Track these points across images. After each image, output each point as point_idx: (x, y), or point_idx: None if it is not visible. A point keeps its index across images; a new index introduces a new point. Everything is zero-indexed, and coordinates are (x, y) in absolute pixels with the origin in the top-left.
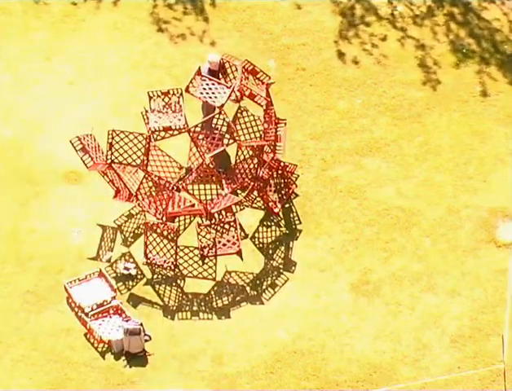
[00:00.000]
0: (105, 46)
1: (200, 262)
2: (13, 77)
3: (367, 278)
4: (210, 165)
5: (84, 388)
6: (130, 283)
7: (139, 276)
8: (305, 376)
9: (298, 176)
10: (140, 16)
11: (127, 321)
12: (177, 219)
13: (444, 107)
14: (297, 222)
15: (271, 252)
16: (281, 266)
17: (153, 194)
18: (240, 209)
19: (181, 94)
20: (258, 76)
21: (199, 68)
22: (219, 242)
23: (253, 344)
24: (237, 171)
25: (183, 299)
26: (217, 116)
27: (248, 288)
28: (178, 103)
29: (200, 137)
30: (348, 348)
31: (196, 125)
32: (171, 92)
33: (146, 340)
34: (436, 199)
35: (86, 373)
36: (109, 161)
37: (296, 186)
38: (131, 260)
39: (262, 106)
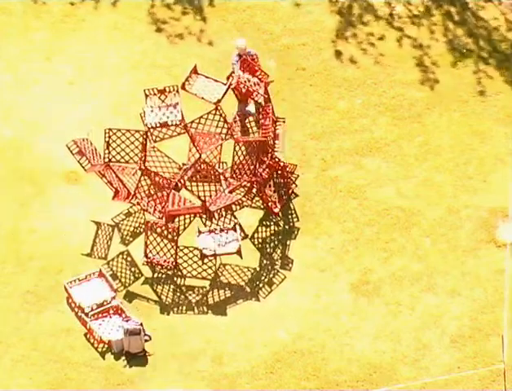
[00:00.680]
0: (105, 46)
1: (199, 262)
2: (13, 77)
3: (367, 278)
4: (206, 160)
5: (84, 388)
6: (130, 281)
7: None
8: (305, 376)
9: (298, 176)
10: (140, 16)
11: (127, 321)
12: (177, 219)
13: (444, 107)
14: (297, 222)
15: (270, 251)
16: (281, 266)
17: (152, 193)
18: (240, 208)
19: (177, 91)
20: (256, 74)
21: (194, 65)
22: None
23: (253, 344)
24: (236, 169)
25: (183, 299)
26: (213, 112)
27: (248, 288)
28: (175, 99)
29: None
30: (348, 348)
31: (193, 121)
32: (167, 89)
33: (146, 340)
34: (436, 199)
35: (86, 373)
36: (107, 160)
37: (296, 186)
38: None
39: (259, 103)
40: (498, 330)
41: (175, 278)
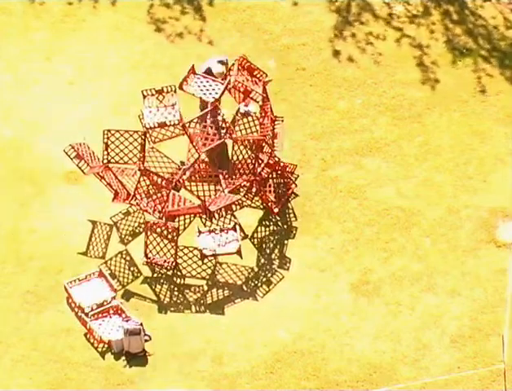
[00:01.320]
0: (105, 46)
1: (199, 262)
2: (13, 77)
3: (367, 278)
4: (206, 160)
5: (84, 388)
6: (130, 281)
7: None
8: (305, 376)
9: (298, 176)
10: (140, 16)
11: (127, 321)
12: (176, 219)
13: (444, 107)
14: (296, 222)
15: (270, 251)
16: (281, 266)
17: (152, 193)
18: (240, 208)
19: (175, 90)
20: (254, 73)
21: (192, 65)
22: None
23: (253, 344)
24: (235, 168)
25: (183, 299)
26: (212, 111)
27: (248, 288)
28: (173, 99)
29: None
30: (348, 348)
31: (191, 121)
32: (165, 90)
33: (146, 340)
34: (436, 199)
35: (86, 373)
36: (105, 162)
37: (296, 186)
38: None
39: (257, 102)
40: (498, 330)
41: (175, 278)
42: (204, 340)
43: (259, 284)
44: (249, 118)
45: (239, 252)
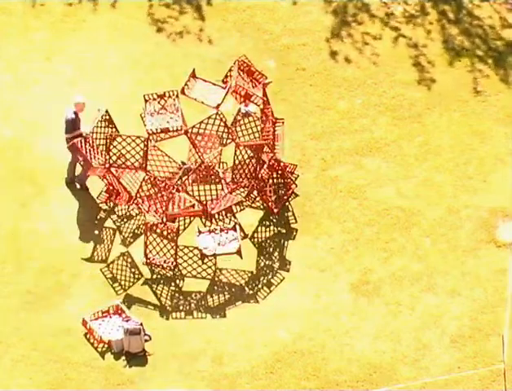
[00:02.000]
0: (105, 46)
1: (199, 262)
2: (13, 77)
3: (367, 278)
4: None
5: (84, 388)
6: (130, 282)
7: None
8: (305, 376)
9: (298, 176)
10: (140, 16)
11: (127, 321)
12: (177, 219)
13: (444, 107)
14: (297, 222)
15: (270, 251)
16: (281, 266)
17: (153, 195)
18: (241, 210)
19: (177, 95)
20: (254, 75)
21: (193, 69)
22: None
23: (253, 344)
24: (236, 171)
25: (183, 299)
26: (213, 117)
27: (248, 288)
28: (175, 104)
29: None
30: (348, 348)
31: (194, 126)
32: (167, 94)
33: (146, 340)
34: (436, 199)
35: (86, 373)
36: (107, 166)
37: (296, 186)
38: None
39: (258, 105)
40: (498, 330)
41: (175, 279)
42: (204, 340)
43: (259, 284)
44: (250, 119)
45: (239, 252)
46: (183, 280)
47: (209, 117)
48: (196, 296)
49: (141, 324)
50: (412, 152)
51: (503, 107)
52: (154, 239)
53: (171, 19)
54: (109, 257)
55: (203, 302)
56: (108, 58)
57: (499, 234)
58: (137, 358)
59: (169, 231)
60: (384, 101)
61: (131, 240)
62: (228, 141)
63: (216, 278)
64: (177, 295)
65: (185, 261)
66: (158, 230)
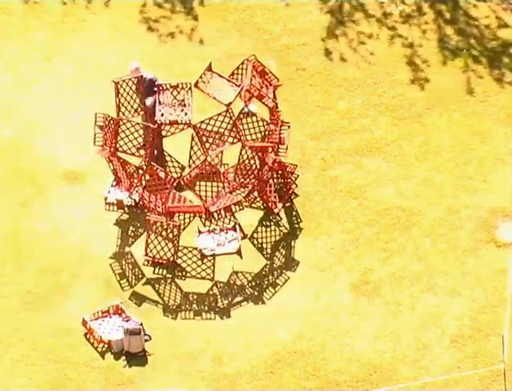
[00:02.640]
0: (105, 46)
1: (199, 262)
2: (13, 77)
3: (367, 278)
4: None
5: (84, 388)
6: (131, 281)
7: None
8: (305, 376)
9: (298, 176)
10: (140, 16)
11: (127, 321)
12: (176, 218)
13: (444, 107)
14: (297, 222)
15: (270, 251)
16: (281, 266)
17: (154, 189)
18: (240, 209)
19: (190, 88)
20: (266, 77)
21: (210, 63)
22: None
23: (253, 343)
24: (239, 171)
25: (183, 299)
26: (223, 114)
27: (248, 288)
28: (187, 97)
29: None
30: (348, 348)
31: (202, 121)
32: (180, 86)
33: (146, 340)
34: (436, 199)
35: (86, 373)
36: (113, 150)
37: (296, 186)
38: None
39: (268, 107)
40: (498, 330)
41: (175, 278)
42: (204, 340)
43: (259, 284)
44: (252, 119)
45: (239, 252)
46: (183, 280)
47: (218, 114)
48: (196, 296)
49: (141, 324)
50: (412, 152)
51: (503, 107)
52: (156, 238)
53: (171, 19)
54: (109, 256)
55: (203, 302)
56: (108, 58)
57: (499, 234)
58: (137, 358)
59: (171, 228)
60: (384, 101)
61: (132, 240)
62: (235, 140)
63: (216, 279)
64: (177, 295)
65: (185, 261)
66: (159, 227)
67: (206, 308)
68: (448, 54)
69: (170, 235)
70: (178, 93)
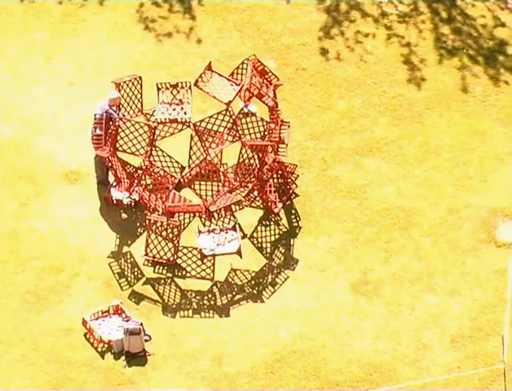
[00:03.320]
0: (105, 46)
1: (199, 262)
2: (13, 77)
3: (367, 278)
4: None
5: (84, 388)
6: (131, 281)
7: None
8: (305, 376)
9: (298, 176)
10: (140, 16)
11: (127, 321)
12: (176, 217)
13: (444, 107)
14: (297, 222)
15: (270, 251)
16: (281, 266)
17: (154, 188)
18: (240, 209)
19: (189, 87)
20: (266, 76)
21: (209, 62)
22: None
23: (253, 343)
24: (239, 171)
25: (183, 299)
26: (223, 113)
27: (248, 288)
28: (186, 96)
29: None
30: (348, 348)
31: (202, 120)
32: (180, 85)
33: (146, 340)
34: (436, 199)
35: (86, 373)
36: (113, 149)
37: (296, 186)
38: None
39: (269, 107)
40: (498, 330)
41: (176, 278)
42: (204, 340)
43: (259, 284)
44: (251, 118)
45: (239, 252)
46: (184, 280)
47: (218, 113)
48: (196, 296)
49: (141, 324)
50: (412, 152)
51: (503, 107)
52: (156, 237)
53: (171, 19)
54: (109, 256)
55: (203, 302)
56: (108, 58)
57: (499, 234)
58: (137, 358)
59: (171, 227)
60: (384, 101)
61: (132, 240)
62: (235, 139)
63: (216, 279)
64: (177, 295)
65: (185, 261)
66: (160, 227)
67: (206, 308)
68: (448, 54)
69: (170, 235)
70: (178, 92)
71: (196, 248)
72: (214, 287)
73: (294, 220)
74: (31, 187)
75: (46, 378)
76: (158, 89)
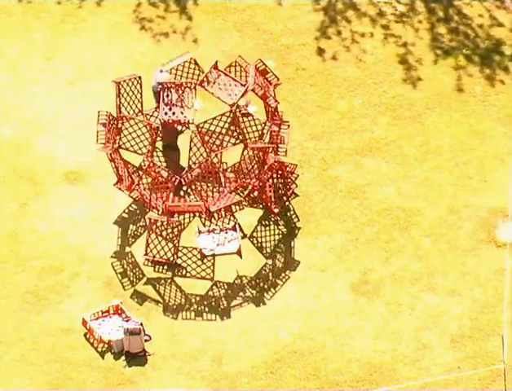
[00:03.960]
0: (105, 46)
1: (199, 262)
2: (13, 77)
3: (367, 278)
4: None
5: (84, 388)
6: (131, 281)
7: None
8: (305, 376)
9: (298, 176)
10: (140, 17)
11: (127, 321)
12: (176, 215)
13: (444, 107)
14: (297, 222)
15: (270, 251)
16: (281, 266)
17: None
18: (240, 209)
19: (194, 87)
20: (267, 76)
21: (216, 62)
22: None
23: (253, 344)
24: (241, 171)
25: (183, 299)
26: (227, 114)
27: (248, 288)
28: (191, 97)
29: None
30: (348, 348)
31: (206, 121)
32: (184, 85)
33: (146, 340)
34: (436, 199)
35: (86, 373)
36: (116, 146)
37: (296, 185)
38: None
39: (271, 107)
40: (498, 330)
41: (176, 279)
42: (204, 340)
43: (259, 284)
44: (249, 118)
45: (239, 252)
46: (184, 280)
47: (222, 114)
48: (196, 296)
49: (141, 324)
50: (412, 152)
51: (503, 107)
52: (156, 237)
53: (171, 19)
54: (110, 257)
55: (203, 302)
56: (108, 58)
57: (499, 234)
58: (137, 358)
59: (172, 227)
60: (384, 101)
61: (132, 240)
62: (238, 141)
63: (216, 279)
64: (177, 295)
65: (185, 261)
66: (160, 226)
67: (206, 308)
68: (446, 54)
69: (171, 235)
70: (183, 92)
71: (196, 248)
72: (214, 287)
73: (294, 220)
74: (31, 187)
75: (46, 378)
76: (162, 88)
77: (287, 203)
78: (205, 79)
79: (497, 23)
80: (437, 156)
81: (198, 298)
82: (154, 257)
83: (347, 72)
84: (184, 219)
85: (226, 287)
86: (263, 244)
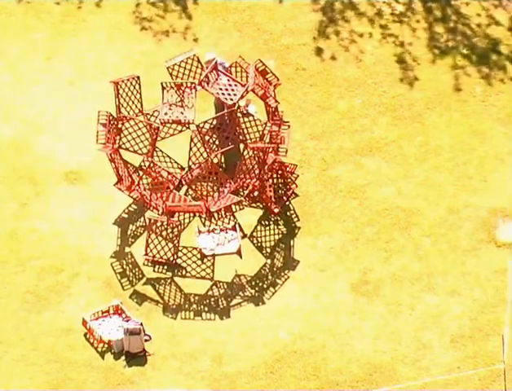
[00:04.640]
0: (105, 46)
1: (199, 262)
2: (13, 77)
3: (367, 278)
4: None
5: (84, 388)
6: (131, 281)
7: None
8: (305, 376)
9: (298, 176)
10: (140, 17)
11: (127, 321)
12: (176, 215)
13: (444, 107)
14: (297, 222)
15: (270, 251)
16: (281, 266)
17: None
18: (240, 209)
19: (194, 87)
20: (267, 76)
21: (215, 61)
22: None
23: (253, 344)
24: (241, 172)
25: (183, 299)
26: (227, 114)
27: (248, 288)
28: (191, 97)
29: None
30: (348, 348)
31: (206, 121)
32: (184, 85)
33: (146, 340)
34: (436, 199)
35: (86, 373)
36: (116, 146)
37: (296, 186)
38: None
39: (271, 107)
40: (498, 330)
41: (176, 279)
42: (204, 340)
43: (259, 284)
44: (250, 118)
45: (239, 252)
46: (184, 280)
47: (222, 114)
48: (196, 296)
49: (141, 324)
50: (412, 152)
51: (503, 107)
52: (156, 237)
53: (171, 19)
54: (109, 257)
55: (203, 302)
56: (108, 58)
57: (499, 234)
58: (137, 358)
59: (172, 226)
60: (384, 101)
61: (132, 240)
62: (238, 142)
63: (216, 279)
64: (177, 295)
65: (185, 261)
66: (160, 226)
67: (206, 308)
68: (451, 54)
69: (171, 235)
70: (183, 92)
71: (196, 248)
72: (214, 287)
73: (294, 220)
74: (31, 187)
75: (46, 378)
76: (163, 88)
77: (287, 203)
78: (205, 78)
79: (495, 22)
80: (437, 156)
81: (198, 298)
82: (154, 256)
83: (347, 72)
84: (184, 219)
85: (225, 286)
86: (263, 244)
